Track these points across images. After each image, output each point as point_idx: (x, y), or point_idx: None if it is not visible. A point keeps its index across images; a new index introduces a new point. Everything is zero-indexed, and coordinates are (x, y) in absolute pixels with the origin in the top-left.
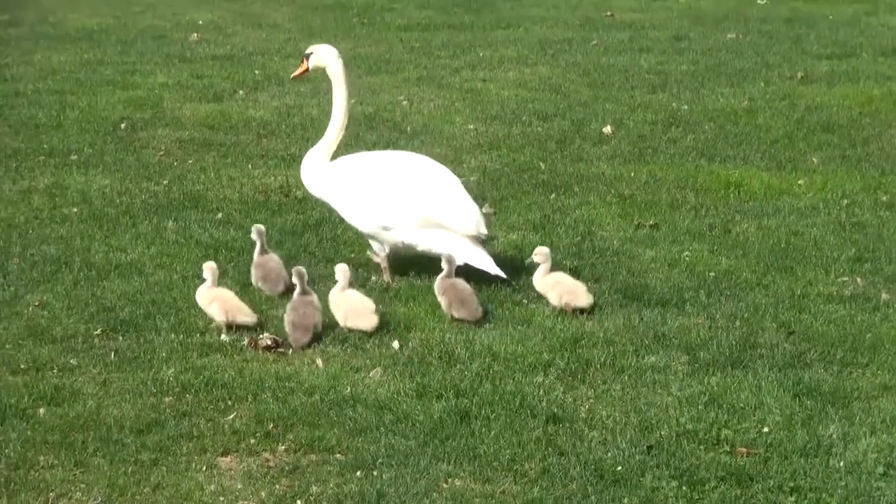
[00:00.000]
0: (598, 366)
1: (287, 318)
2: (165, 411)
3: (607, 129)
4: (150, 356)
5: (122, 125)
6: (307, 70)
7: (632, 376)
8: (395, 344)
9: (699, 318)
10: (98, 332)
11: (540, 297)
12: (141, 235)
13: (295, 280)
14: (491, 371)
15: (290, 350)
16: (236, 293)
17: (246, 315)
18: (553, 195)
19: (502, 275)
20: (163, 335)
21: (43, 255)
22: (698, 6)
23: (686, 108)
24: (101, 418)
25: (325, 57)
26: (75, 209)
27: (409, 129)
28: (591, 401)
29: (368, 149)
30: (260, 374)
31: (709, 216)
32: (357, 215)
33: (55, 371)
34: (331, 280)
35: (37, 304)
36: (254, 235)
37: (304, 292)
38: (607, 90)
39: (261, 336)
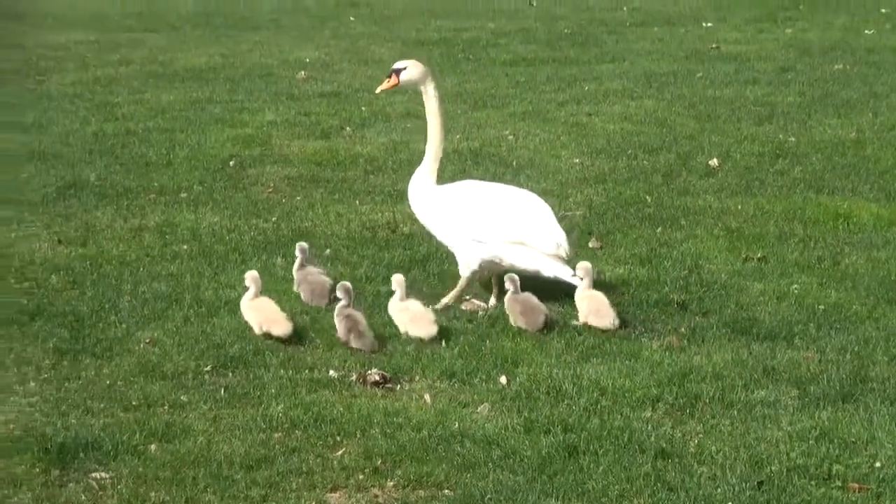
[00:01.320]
0: (707, 400)
1: (347, 332)
2: (275, 447)
3: (714, 162)
4: (259, 392)
5: (231, 163)
6: (397, 84)
7: (741, 411)
8: (503, 379)
9: (809, 351)
10: (208, 368)
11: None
12: None
13: (340, 294)
14: (599, 406)
15: (399, 386)
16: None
17: (281, 327)
18: (659, 229)
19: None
20: (272, 371)
21: (154, 293)
22: (804, 37)
23: (793, 139)
24: (212, 454)
25: (419, 73)
26: (185, 246)
27: (514, 163)
28: (700, 436)
29: None
30: (368, 409)
31: (817, 248)
32: (453, 230)
33: (166, 407)
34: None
35: (148, 340)
36: (298, 252)
37: (346, 307)
38: (713, 123)
39: (369, 371)
